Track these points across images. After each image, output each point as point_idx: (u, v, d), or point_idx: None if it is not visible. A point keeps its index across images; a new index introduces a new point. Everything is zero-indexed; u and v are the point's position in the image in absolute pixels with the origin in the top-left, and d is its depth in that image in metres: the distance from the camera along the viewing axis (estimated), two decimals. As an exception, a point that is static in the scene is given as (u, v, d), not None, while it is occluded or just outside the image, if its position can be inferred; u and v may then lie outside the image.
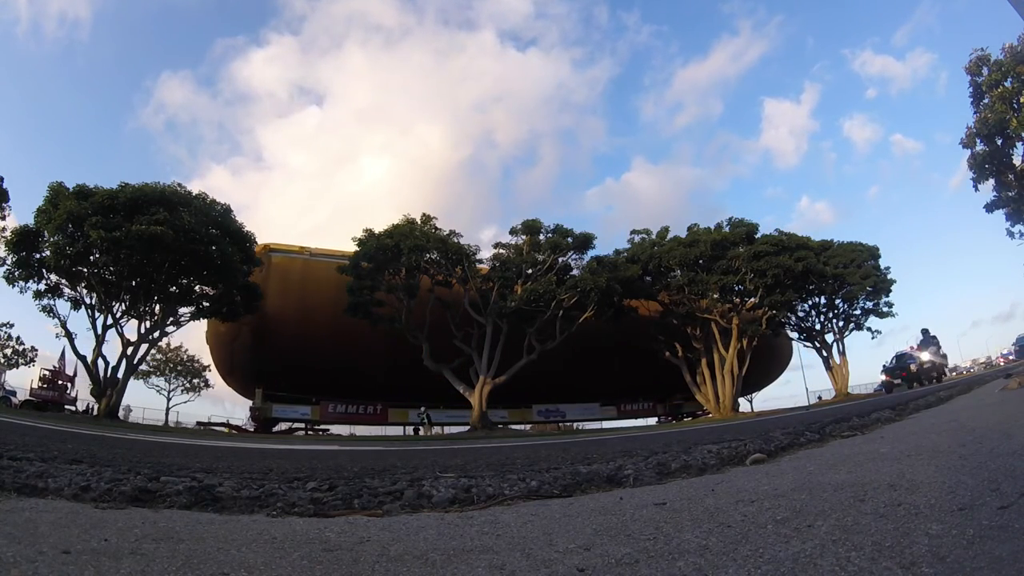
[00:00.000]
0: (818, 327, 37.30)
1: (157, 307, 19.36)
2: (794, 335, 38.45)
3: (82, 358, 19.22)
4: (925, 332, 27.61)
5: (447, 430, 29.83)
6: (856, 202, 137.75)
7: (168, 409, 34.03)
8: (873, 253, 34.19)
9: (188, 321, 20.66)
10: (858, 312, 36.32)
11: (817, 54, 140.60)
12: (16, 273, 17.51)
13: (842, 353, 37.02)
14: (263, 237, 24.43)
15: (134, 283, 18.06)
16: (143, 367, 27.43)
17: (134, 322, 19.35)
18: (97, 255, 16.62)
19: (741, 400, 35.12)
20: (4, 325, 25.64)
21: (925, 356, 25.75)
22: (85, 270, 17.20)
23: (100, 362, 19.24)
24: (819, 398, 40.93)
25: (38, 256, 16.92)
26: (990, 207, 25.27)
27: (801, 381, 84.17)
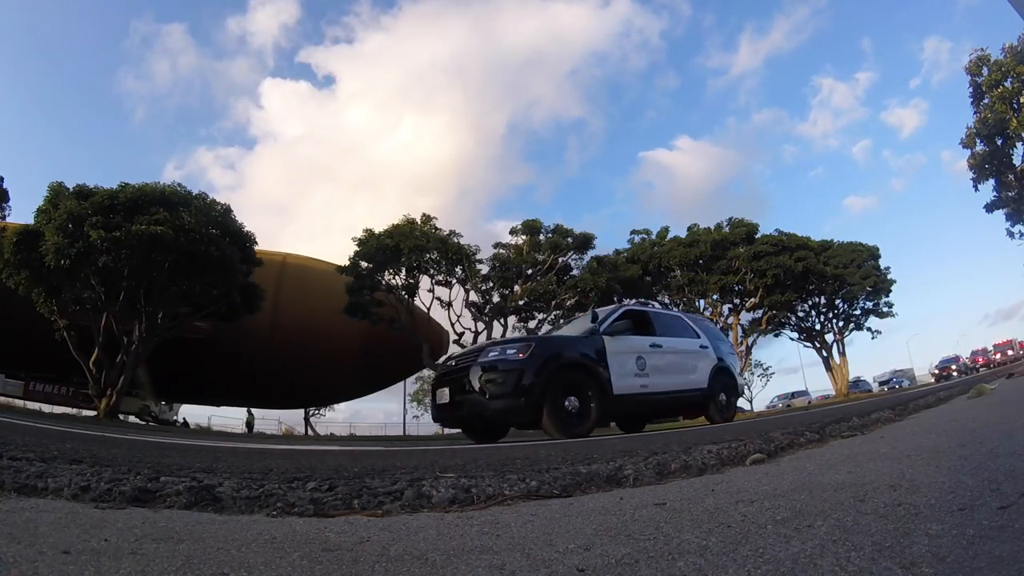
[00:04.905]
0: (818, 327, 37.34)
1: (156, 308, 19.36)
2: (794, 335, 38.49)
3: (82, 358, 19.24)
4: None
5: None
6: (885, 195, 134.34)
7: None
8: (873, 253, 34.27)
9: (187, 321, 20.65)
10: (858, 312, 36.41)
11: (869, 31, 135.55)
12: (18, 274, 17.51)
13: (842, 353, 37.09)
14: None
15: (134, 283, 18.07)
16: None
17: (133, 322, 19.37)
18: (100, 255, 16.62)
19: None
20: None
21: None
22: (86, 270, 17.20)
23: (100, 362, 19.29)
24: (788, 405, 38.14)
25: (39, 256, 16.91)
26: (990, 207, 25.31)
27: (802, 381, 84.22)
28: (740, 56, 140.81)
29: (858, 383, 41.78)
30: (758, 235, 29.93)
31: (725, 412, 8.68)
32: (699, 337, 8.83)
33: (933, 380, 39.28)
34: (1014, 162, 23.38)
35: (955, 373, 38.11)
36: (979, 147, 23.92)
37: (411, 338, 25.79)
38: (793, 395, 43.53)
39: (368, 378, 31.49)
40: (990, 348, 44.53)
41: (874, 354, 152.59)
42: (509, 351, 6.59)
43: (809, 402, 36.57)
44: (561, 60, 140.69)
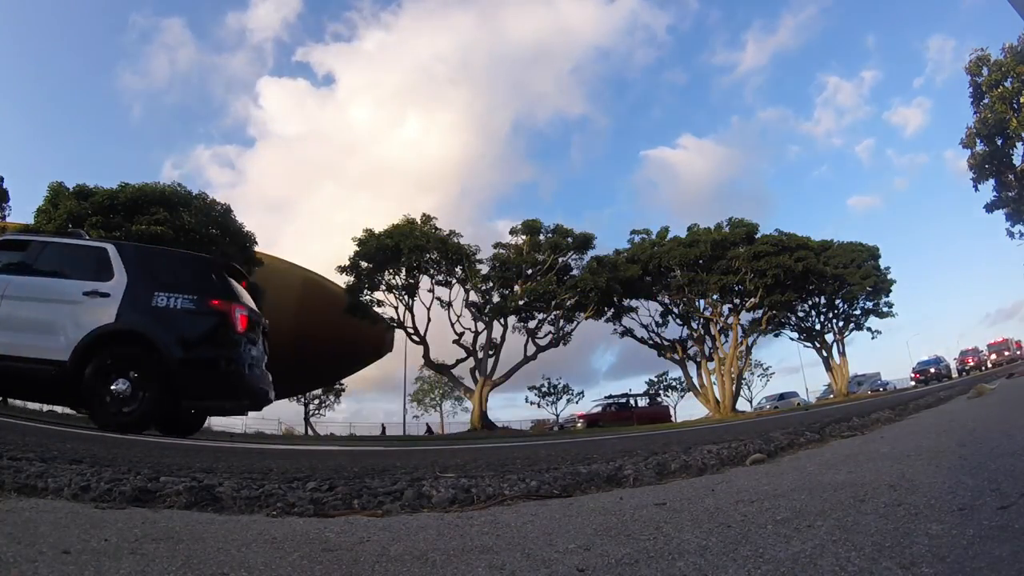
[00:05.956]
0: (818, 327, 37.37)
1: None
2: (794, 335, 38.50)
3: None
4: None
5: None
6: (888, 194, 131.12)
7: (168, 409, 34.00)
8: (873, 253, 34.30)
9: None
10: (858, 312, 36.42)
11: (874, 27, 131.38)
12: None
13: (842, 353, 37.11)
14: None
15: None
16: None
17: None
18: None
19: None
20: None
21: None
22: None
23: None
24: (775, 407, 35.55)
25: None
26: (990, 207, 25.32)
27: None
28: (747, 53, 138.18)
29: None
30: (758, 235, 29.93)
31: (128, 411, 5.27)
32: (106, 278, 5.57)
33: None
34: (1014, 162, 23.39)
35: (935, 377, 33.92)
36: (979, 147, 23.93)
37: (412, 340, 25.80)
38: (782, 396, 39.54)
39: (301, 377, 30.73)
40: (983, 348, 41.14)
41: (874, 354, 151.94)
42: None
43: (798, 403, 34.93)
44: (566, 56, 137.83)
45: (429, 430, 38.92)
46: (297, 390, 35.18)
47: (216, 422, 34.25)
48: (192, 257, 7.19)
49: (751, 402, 48.12)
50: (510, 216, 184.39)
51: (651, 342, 32.86)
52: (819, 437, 3.77)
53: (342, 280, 25.50)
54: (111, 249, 5.91)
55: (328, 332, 26.19)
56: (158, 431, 6.34)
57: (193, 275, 6.20)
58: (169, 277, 5.91)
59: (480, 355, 26.10)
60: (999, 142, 23.12)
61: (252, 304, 6.60)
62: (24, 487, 1.93)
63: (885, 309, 35.00)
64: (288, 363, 27.56)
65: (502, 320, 26.45)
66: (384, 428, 39.70)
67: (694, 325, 32.31)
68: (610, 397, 33.28)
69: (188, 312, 5.67)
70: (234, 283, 6.43)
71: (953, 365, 38.37)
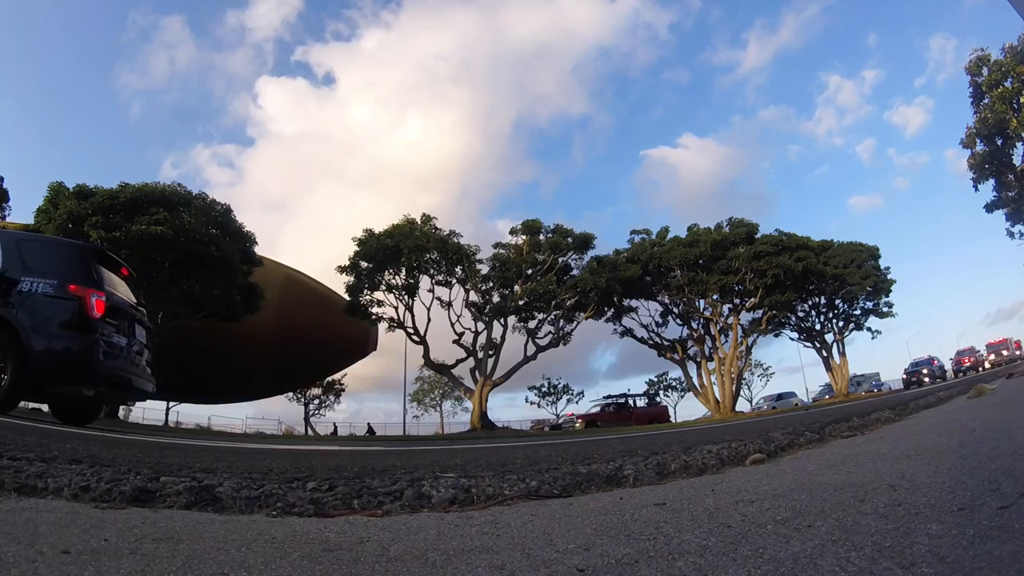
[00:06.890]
0: (818, 327, 37.36)
1: (157, 308, 19.37)
2: (794, 335, 38.48)
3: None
4: None
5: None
6: (889, 193, 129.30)
7: (168, 409, 34.00)
8: (873, 253, 34.27)
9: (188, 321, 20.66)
10: (858, 312, 36.39)
11: (876, 26, 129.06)
12: None
13: (842, 353, 37.11)
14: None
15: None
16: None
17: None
18: None
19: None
20: None
21: None
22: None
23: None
24: (772, 407, 34.90)
25: None
26: (990, 207, 25.31)
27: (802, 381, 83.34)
28: (748, 52, 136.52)
29: (832, 388, 38.91)
30: (758, 235, 29.92)
31: None
32: None
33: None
34: (1014, 162, 23.38)
35: (927, 379, 32.75)
36: (979, 147, 23.92)
37: (412, 340, 25.76)
38: (780, 396, 38.94)
39: (281, 377, 30.40)
40: (980, 348, 39.61)
41: (875, 354, 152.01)
42: None
43: (796, 404, 33.94)
44: (568, 55, 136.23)
45: (371, 430, 38.31)
46: (281, 388, 34.94)
47: (217, 423, 34.22)
48: (63, 243, 7.41)
49: (751, 402, 48.07)
50: (511, 215, 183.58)
51: (651, 342, 32.86)
52: (819, 437, 3.77)
53: (342, 280, 25.51)
54: None
55: (310, 330, 26.13)
56: (57, 419, 6.60)
57: (60, 260, 6.31)
58: (39, 263, 6.04)
59: (480, 355, 26.09)
60: (999, 142, 23.10)
61: (123, 292, 6.68)
62: (24, 487, 1.93)
63: (885, 309, 35.01)
64: (270, 360, 27.43)
65: (502, 320, 26.44)
66: (371, 428, 39.10)
67: (694, 325, 32.31)
68: (608, 397, 33.23)
69: (48, 296, 5.77)
70: (103, 270, 6.48)
71: (949, 365, 37.57)
